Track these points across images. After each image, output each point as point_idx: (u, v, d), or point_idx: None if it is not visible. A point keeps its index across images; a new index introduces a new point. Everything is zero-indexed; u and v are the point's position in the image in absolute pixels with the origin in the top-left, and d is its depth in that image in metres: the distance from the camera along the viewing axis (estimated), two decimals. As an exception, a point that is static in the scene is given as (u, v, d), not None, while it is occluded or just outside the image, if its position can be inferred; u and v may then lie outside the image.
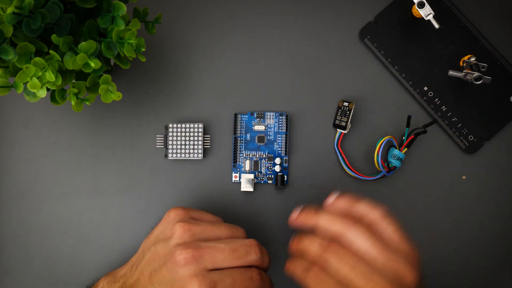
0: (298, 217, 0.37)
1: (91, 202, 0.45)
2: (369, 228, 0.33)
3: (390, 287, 0.31)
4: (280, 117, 0.45)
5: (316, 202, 0.45)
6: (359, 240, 0.33)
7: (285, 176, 0.45)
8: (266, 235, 0.45)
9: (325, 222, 0.35)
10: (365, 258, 0.32)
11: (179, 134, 0.45)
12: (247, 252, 0.35)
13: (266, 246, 0.45)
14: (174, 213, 0.37)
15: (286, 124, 0.45)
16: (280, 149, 0.45)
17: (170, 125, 0.45)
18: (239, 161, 0.45)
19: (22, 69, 0.32)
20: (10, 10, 0.29)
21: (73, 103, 0.35)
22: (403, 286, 0.32)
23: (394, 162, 0.43)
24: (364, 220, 0.35)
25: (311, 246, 0.34)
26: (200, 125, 0.45)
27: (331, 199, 0.37)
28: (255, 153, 0.45)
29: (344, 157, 0.45)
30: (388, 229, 0.34)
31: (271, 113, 0.45)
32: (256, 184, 0.45)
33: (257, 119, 0.45)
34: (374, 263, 0.32)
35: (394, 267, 0.32)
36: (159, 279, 0.35)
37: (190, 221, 0.36)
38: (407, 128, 0.43)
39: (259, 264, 0.36)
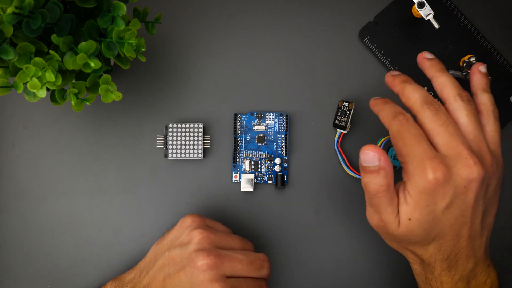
0: (424, 63, 0.38)
1: (91, 202, 0.45)
2: (476, 111, 0.35)
3: (470, 153, 0.32)
4: (280, 117, 0.45)
5: (316, 202, 0.45)
6: (461, 112, 0.34)
7: (285, 176, 0.45)
8: (266, 235, 0.45)
9: (443, 82, 0.36)
10: (459, 127, 0.34)
11: (179, 134, 0.45)
12: (261, 266, 0.38)
13: (266, 246, 0.45)
14: (191, 220, 0.39)
15: (286, 124, 0.45)
16: (280, 149, 0.45)
17: (170, 125, 0.45)
18: (239, 161, 0.45)
19: (22, 69, 0.32)
20: (10, 10, 0.29)
21: (73, 103, 0.35)
22: (482, 172, 0.33)
23: (394, 162, 0.43)
24: (478, 105, 0.36)
25: (414, 93, 0.35)
26: (200, 125, 0.45)
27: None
28: (255, 153, 0.45)
29: (344, 157, 0.45)
30: (491, 126, 0.36)
31: (271, 113, 0.45)
32: (256, 184, 0.45)
33: (257, 119, 0.45)
34: (465, 134, 0.34)
35: (480, 147, 0.34)
36: (175, 283, 0.36)
37: (208, 229, 0.38)
38: (407, 128, 0.43)
39: (267, 277, 0.38)
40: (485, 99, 0.36)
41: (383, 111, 0.36)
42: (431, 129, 0.33)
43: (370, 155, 0.34)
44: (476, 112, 0.35)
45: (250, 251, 0.39)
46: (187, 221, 0.39)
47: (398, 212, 0.34)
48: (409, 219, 0.34)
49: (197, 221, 0.39)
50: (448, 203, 0.33)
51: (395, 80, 0.37)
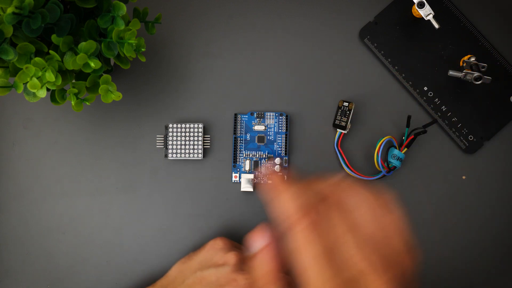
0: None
1: (91, 202, 0.45)
2: (375, 206, 0.32)
3: (380, 260, 0.29)
4: (280, 117, 0.45)
5: (316, 202, 0.45)
6: (361, 209, 0.31)
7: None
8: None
9: (334, 184, 0.33)
10: (361, 229, 0.30)
11: (179, 134, 0.45)
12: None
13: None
14: (223, 243, 0.41)
15: (286, 124, 0.45)
16: (280, 149, 0.45)
17: (170, 125, 0.45)
18: (239, 161, 0.45)
19: (22, 69, 0.32)
20: (10, 10, 0.29)
21: (73, 103, 0.35)
22: (396, 266, 0.29)
23: (394, 162, 0.43)
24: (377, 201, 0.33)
25: (312, 197, 0.31)
26: (200, 125, 0.45)
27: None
28: (255, 153, 0.45)
29: (344, 157, 0.45)
30: (391, 214, 0.32)
31: (271, 113, 0.45)
32: (256, 184, 0.45)
33: (257, 119, 0.45)
34: (369, 236, 0.30)
35: (391, 249, 0.30)
36: None
37: (241, 252, 0.40)
38: (407, 128, 0.43)
39: None
40: (378, 188, 0.33)
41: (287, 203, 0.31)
42: (338, 237, 0.29)
43: (256, 239, 0.31)
44: (375, 208, 0.31)
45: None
46: (219, 244, 0.41)
47: None
48: None
49: (228, 244, 0.41)
50: None
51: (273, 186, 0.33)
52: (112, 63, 0.41)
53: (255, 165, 0.45)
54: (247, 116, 0.45)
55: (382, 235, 0.31)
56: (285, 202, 0.31)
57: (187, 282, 0.40)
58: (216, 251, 0.41)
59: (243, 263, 0.39)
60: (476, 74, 0.41)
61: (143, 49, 0.35)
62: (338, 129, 0.44)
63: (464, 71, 0.43)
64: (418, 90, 0.45)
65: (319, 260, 0.29)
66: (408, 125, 0.43)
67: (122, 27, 0.34)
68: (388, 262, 0.30)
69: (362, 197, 0.32)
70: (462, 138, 0.45)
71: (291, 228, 0.30)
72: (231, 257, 0.39)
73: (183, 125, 0.45)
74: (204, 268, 0.40)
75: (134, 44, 0.34)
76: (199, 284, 0.39)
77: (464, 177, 0.45)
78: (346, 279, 0.28)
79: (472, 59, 0.43)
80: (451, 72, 0.44)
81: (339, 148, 0.45)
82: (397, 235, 0.31)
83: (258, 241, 0.31)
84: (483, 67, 0.43)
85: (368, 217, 0.31)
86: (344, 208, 0.31)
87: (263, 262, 0.31)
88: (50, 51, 0.33)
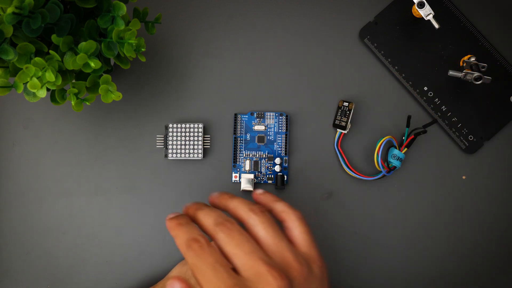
0: (215, 198, 0.36)
1: (91, 202, 0.45)
2: (273, 221, 0.34)
3: (269, 268, 0.31)
4: (280, 117, 0.45)
5: (316, 202, 0.45)
6: (258, 226, 0.33)
7: (285, 176, 0.45)
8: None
9: (235, 205, 0.35)
10: (258, 242, 0.32)
11: (179, 134, 0.45)
12: None
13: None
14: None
15: (286, 124, 0.45)
16: (280, 149, 0.45)
17: (170, 125, 0.45)
18: (239, 161, 0.45)
19: (22, 69, 0.32)
20: (10, 10, 0.29)
21: (73, 103, 0.35)
22: (288, 276, 0.31)
23: (394, 162, 0.43)
24: (277, 216, 0.35)
25: (206, 218, 0.34)
26: (200, 125, 0.45)
27: (258, 192, 0.37)
28: (255, 153, 0.45)
29: (344, 157, 0.45)
30: (297, 229, 0.34)
31: (271, 113, 0.45)
32: (256, 184, 0.45)
33: (257, 119, 0.45)
34: (265, 248, 0.32)
35: (283, 256, 0.32)
36: None
37: None
38: (407, 128, 0.43)
39: None
40: (280, 207, 0.36)
41: (178, 237, 0.33)
42: (228, 252, 0.32)
43: (174, 285, 0.32)
44: (272, 221, 0.33)
45: None
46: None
47: None
48: None
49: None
50: None
51: (188, 210, 0.35)
52: (112, 63, 0.41)
53: (255, 165, 0.45)
54: (247, 116, 0.45)
55: (276, 247, 0.33)
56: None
57: (190, 282, 0.39)
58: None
59: None
60: (476, 74, 0.41)
61: (143, 49, 0.35)
62: (338, 129, 0.44)
63: (464, 71, 0.43)
64: (418, 90, 0.45)
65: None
66: (408, 125, 0.43)
67: (122, 27, 0.34)
68: (281, 268, 0.31)
69: None
70: (462, 138, 0.45)
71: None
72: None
73: (183, 125, 0.45)
74: None
75: (134, 44, 0.34)
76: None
77: (464, 177, 0.45)
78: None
79: (472, 59, 0.43)
80: (451, 72, 0.44)
81: (339, 148, 0.45)
82: (293, 249, 0.33)
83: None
84: (483, 67, 0.43)
85: (264, 233, 0.33)
86: None
87: None
88: (50, 51, 0.33)
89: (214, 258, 0.31)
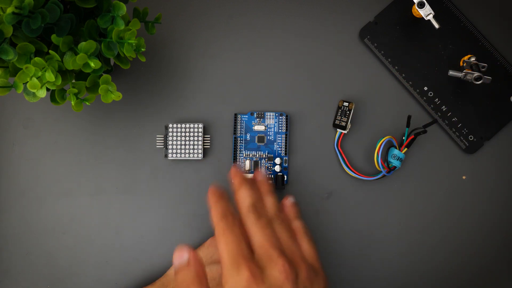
0: (260, 181, 0.40)
1: (91, 202, 0.45)
2: (295, 232, 0.38)
3: (280, 255, 0.34)
4: (280, 117, 0.45)
5: (316, 202, 0.45)
6: (282, 228, 0.37)
7: (285, 176, 0.45)
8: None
9: (272, 202, 0.38)
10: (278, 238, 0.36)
11: (179, 134, 0.45)
12: None
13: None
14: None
15: (286, 124, 0.45)
16: (280, 149, 0.45)
17: (170, 125, 0.45)
18: (239, 161, 0.45)
19: (22, 69, 0.32)
20: (10, 10, 0.29)
21: (73, 103, 0.35)
22: (295, 269, 0.34)
23: (394, 162, 0.43)
24: (292, 230, 0.38)
25: (245, 198, 0.37)
26: (200, 125, 0.45)
27: (290, 199, 0.41)
28: (255, 153, 0.45)
29: (344, 157, 0.45)
30: (306, 244, 0.38)
31: (271, 113, 0.45)
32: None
33: (257, 119, 0.45)
34: (282, 244, 0.36)
35: (295, 255, 0.35)
36: None
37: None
38: (407, 128, 0.43)
39: None
40: (297, 225, 0.39)
41: (215, 208, 0.37)
42: (251, 231, 0.36)
43: (179, 253, 0.34)
44: (294, 232, 0.38)
45: None
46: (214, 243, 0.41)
47: None
48: None
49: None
50: None
51: (235, 178, 0.39)
52: (112, 63, 0.41)
53: (255, 165, 0.45)
54: (247, 116, 0.45)
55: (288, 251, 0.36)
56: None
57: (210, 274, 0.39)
58: (216, 248, 0.40)
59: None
60: (476, 74, 0.41)
61: (143, 49, 0.35)
62: (338, 129, 0.44)
63: (464, 71, 0.43)
64: (418, 90, 0.45)
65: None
66: (408, 125, 0.43)
67: (122, 27, 0.34)
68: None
69: None
70: (462, 138, 0.45)
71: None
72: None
73: (183, 125, 0.45)
74: (207, 265, 0.39)
75: (134, 44, 0.34)
76: None
77: (464, 177, 0.45)
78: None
79: (472, 59, 0.43)
80: (451, 72, 0.44)
81: (339, 148, 0.45)
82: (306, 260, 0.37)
83: (180, 257, 0.35)
84: (483, 67, 0.43)
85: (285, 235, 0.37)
86: None
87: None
88: (50, 51, 0.33)
89: (241, 232, 0.35)
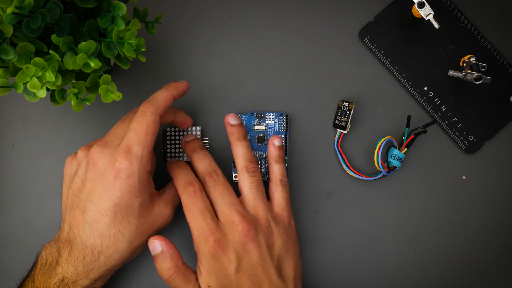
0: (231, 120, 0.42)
1: (91, 202, 0.45)
2: (260, 182, 0.40)
3: (241, 219, 0.37)
4: (280, 117, 0.45)
5: (316, 202, 0.45)
6: (245, 184, 0.40)
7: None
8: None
9: (236, 155, 0.41)
10: (241, 197, 0.40)
11: (177, 138, 0.45)
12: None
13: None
14: (71, 156, 0.42)
15: (286, 124, 0.45)
16: (280, 149, 0.45)
17: (168, 129, 0.45)
18: (239, 161, 0.45)
19: (22, 69, 0.32)
20: (10, 10, 0.29)
21: (73, 103, 0.35)
22: (256, 227, 0.38)
23: (394, 162, 0.43)
24: (270, 173, 0.42)
25: (199, 163, 0.40)
26: (198, 128, 0.45)
27: (275, 142, 0.42)
28: (255, 153, 0.45)
29: (344, 157, 0.45)
30: (278, 193, 0.41)
31: (271, 113, 0.45)
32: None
33: (257, 119, 0.45)
34: (245, 203, 0.39)
35: (256, 212, 0.39)
36: (91, 194, 0.38)
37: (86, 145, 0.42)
38: (407, 128, 0.43)
39: None
40: (275, 169, 0.41)
41: (176, 178, 0.40)
42: (212, 199, 0.39)
43: (154, 243, 0.38)
44: (259, 182, 0.40)
45: None
46: (69, 159, 0.41)
47: (199, 286, 0.38)
48: (209, 286, 0.37)
49: (73, 153, 0.41)
50: (236, 266, 0.37)
51: (186, 148, 0.42)
52: (112, 63, 0.41)
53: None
54: (247, 116, 0.45)
55: (251, 205, 0.40)
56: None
57: (67, 204, 0.39)
58: (70, 164, 0.40)
59: (90, 146, 0.39)
60: (476, 74, 0.41)
61: (143, 49, 0.35)
62: (338, 129, 0.44)
63: (464, 71, 0.43)
64: (418, 90, 0.45)
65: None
66: (408, 125, 0.43)
67: (122, 27, 0.34)
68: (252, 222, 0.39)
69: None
70: (462, 138, 0.45)
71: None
72: (81, 153, 0.39)
73: (181, 129, 0.45)
74: (72, 182, 0.39)
75: (134, 44, 0.34)
76: (76, 191, 0.38)
77: (464, 177, 0.45)
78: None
79: (472, 59, 0.43)
80: (451, 72, 0.44)
81: (339, 148, 0.45)
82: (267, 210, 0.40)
83: (155, 247, 0.38)
84: (483, 67, 0.43)
85: (248, 190, 0.40)
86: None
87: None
88: (50, 51, 0.33)
89: (204, 204, 0.38)
